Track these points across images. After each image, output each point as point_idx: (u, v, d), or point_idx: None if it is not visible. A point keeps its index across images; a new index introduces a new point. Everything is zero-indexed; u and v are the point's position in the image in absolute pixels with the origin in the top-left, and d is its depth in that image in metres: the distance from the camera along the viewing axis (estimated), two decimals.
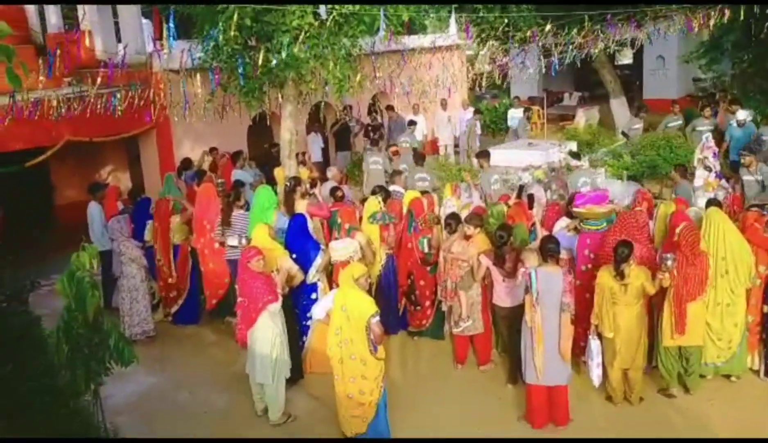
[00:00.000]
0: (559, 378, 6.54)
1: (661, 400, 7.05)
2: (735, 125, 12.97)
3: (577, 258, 7.60)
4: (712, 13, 13.60)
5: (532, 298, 6.34)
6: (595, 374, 6.85)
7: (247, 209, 9.17)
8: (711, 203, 7.82)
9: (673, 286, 6.71)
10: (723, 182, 10.58)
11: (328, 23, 9.99)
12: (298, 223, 8.05)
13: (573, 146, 14.07)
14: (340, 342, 6.24)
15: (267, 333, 6.71)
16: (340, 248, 7.83)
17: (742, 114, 13.00)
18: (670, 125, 14.96)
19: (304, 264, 7.65)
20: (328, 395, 6.67)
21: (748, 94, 16.16)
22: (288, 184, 9.64)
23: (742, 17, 13.34)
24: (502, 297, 7.33)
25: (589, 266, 7.43)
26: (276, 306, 6.72)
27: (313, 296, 7.73)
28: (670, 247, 6.91)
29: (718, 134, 13.35)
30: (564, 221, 8.10)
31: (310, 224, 8.29)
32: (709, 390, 7.15)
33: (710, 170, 10.65)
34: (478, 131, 17.32)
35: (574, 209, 7.77)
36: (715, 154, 11.09)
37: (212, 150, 12.46)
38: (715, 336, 7.10)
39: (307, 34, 9.86)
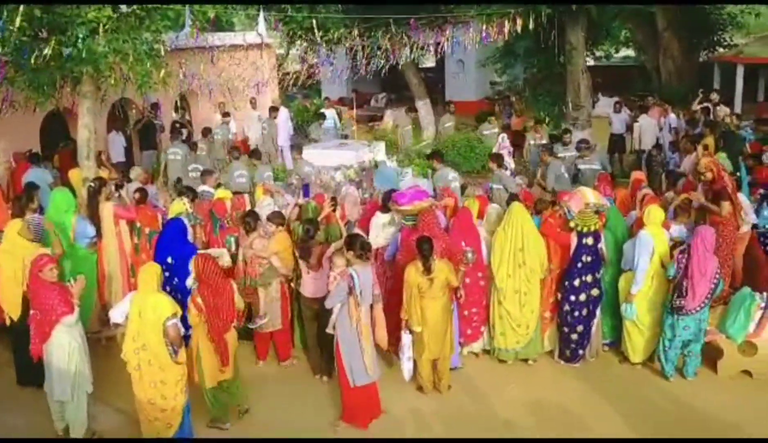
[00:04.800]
0: (378, 370, 6.72)
1: (466, 387, 7.42)
2: None
3: (401, 252, 7.77)
4: (507, 21, 14.55)
5: (357, 298, 6.40)
6: (406, 368, 7.10)
7: (42, 213, 8.50)
8: (512, 198, 8.38)
9: None
10: (517, 178, 11.41)
11: (128, 16, 9.48)
12: (175, 227, 7.63)
13: (382, 146, 14.49)
14: (136, 348, 5.98)
15: (63, 346, 6.22)
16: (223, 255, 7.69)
17: None
18: (485, 132, 15.90)
19: (182, 270, 7.24)
20: (135, 409, 6.33)
21: (538, 97, 17.53)
22: (92, 185, 9.06)
23: (532, 26, 14.40)
24: (309, 289, 7.44)
25: None
26: (72, 318, 6.26)
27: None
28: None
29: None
30: (385, 217, 8.28)
31: (190, 229, 7.90)
32: (509, 374, 7.66)
33: (506, 168, 11.44)
34: (291, 131, 17.38)
35: (401, 207, 7.97)
36: (510, 153, 11.93)
37: None
38: (515, 322, 7.60)
39: (106, 28, 9.29)
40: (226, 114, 16.59)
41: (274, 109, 17.03)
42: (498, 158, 11.19)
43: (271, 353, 8.08)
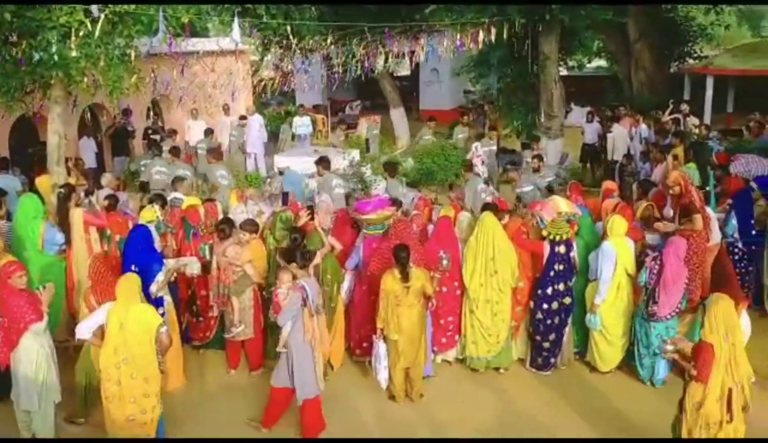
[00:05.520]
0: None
1: (438, 395, 7.43)
2: None
3: (363, 262, 7.82)
4: (481, 30, 14.64)
5: (311, 309, 6.36)
6: (382, 376, 7.08)
7: (9, 220, 8.38)
8: (486, 207, 8.40)
9: None
10: (490, 187, 11.46)
11: (100, 22, 9.37)
12: (140, 234, 7.50)
13: (356, 153, 14.50)
14: (118, 362, 5.83)
15: (31, 355, 6.12)
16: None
17: None
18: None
19: (146, 278, 7.04)
20: (103, 420, 6.20)
21: (512, 106, 17.65)
22: (62, 192, 8.94)
23: (506, 36, 14.50)
24: None
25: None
26: (40, 326, 6.17)
27: (160, 311, 7.06)
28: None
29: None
30: None
31: (156, 237, 7.79)
32: (481, 383, 7.68)
33: (478, 176, 11.49)
34: (264, 138, 17.33)
35: (365, 217, 7.96)
36: (483, 162, 11.99)
37: None
38: (486, 331, 7.64)
39: (78, 32, 9.18)
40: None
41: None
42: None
43: (243, 362, 8.02)
